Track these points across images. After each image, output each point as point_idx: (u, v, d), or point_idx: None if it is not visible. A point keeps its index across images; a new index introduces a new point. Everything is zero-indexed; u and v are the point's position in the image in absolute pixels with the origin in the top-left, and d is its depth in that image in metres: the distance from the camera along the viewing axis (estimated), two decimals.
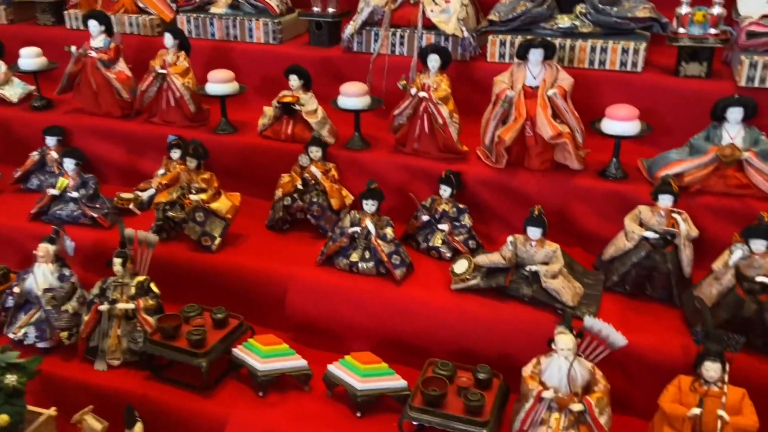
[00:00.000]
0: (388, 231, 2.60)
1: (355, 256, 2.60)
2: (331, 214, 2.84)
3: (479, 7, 3.36)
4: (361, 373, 2.25)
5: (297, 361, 2.36)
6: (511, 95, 2.67)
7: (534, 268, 2.36)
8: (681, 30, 2.87)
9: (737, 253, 2.11)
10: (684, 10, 2.85)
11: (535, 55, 2.64)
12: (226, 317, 2.47)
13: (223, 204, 2.78)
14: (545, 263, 2.38)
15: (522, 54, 2.68)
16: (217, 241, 2.75)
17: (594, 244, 2.67)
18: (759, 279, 2.08)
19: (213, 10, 3.64)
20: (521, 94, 2.67)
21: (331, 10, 3.55)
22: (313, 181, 2.88)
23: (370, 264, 2.58)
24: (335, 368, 2.31)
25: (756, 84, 2.73)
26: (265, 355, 2.34)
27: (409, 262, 2.60)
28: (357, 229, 2.61)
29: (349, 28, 3.37)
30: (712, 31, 2.83)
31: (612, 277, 2.46)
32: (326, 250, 2.63)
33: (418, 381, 2.18)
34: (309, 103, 3.06)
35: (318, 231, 2.85)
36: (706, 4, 2.84)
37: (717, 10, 2.81)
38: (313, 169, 2.88)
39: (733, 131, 2.50)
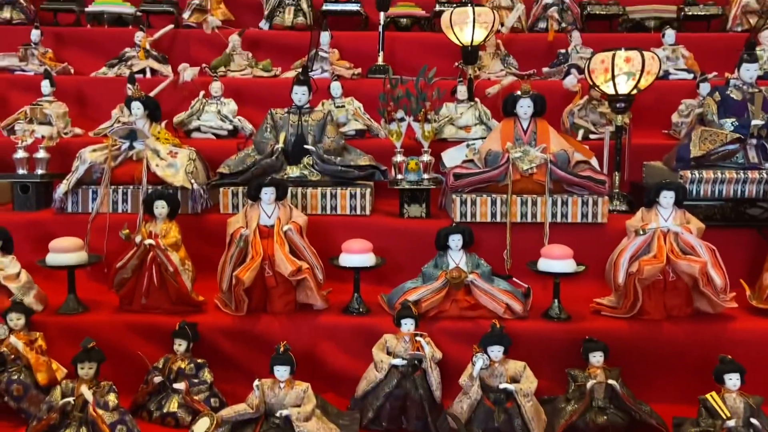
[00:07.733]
0: (111, 398, 2.18)
1: None
2: (37, 393, 2.32)
3: (207, 165, 3.32)
4: None
5: None
6: (246, 233, 2.57)
7: (285, 412, 2.13)
8: (399, 176, 3.12)
9: (479, 363, 2.13)
10: (399, 158, 3.12)
11: (268, 194, 2.62)
12: None
13: None
14: (297, 406, 2.16)
15: (254, 195, 2.64)
16: None
17: (346, 386, 2.52)
18: (502, 386, 2.10)
19: None
20: (257, 233, 2.59)
21: (40, 171, 3.23)
22: (13, 356, 2.36)
23: None
24: None
25: (468, 219, 3.00)
26: None
27: None
28: (70, 399, 2.15)
29: (62, 187, 3.07)
30: (426, 176, 3.12)
31: (367, 415, 2.32)
32: None
33: None
34: (9, 267, 2.63)
35: (20, 417, 2.29)
36: (417, 154, 3.16)
37: (426, 158, 3.12)
38: (13, 339, 2.38)
39: (456, 258, 2.66)
